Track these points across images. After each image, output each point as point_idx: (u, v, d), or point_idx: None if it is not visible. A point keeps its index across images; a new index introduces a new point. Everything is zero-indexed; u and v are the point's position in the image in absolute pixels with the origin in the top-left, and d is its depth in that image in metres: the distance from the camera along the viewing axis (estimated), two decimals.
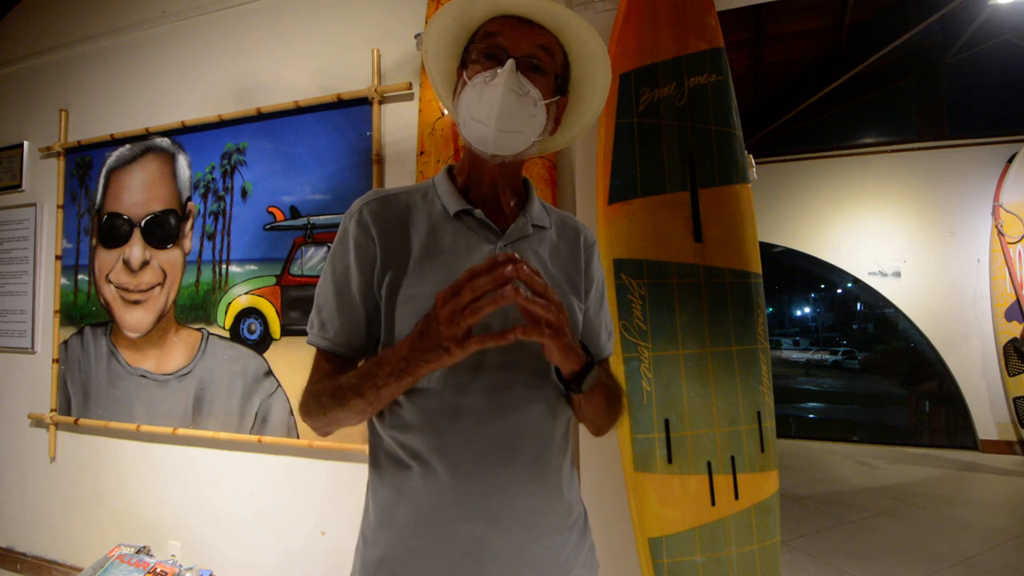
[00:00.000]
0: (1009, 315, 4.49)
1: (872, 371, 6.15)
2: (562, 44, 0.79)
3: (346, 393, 0.70)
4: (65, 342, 2.40)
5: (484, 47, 0.75)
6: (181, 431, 2.12)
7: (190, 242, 2.18)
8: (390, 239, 0.77)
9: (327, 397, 0.73)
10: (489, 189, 0.81)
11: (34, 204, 2.54)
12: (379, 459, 0.79)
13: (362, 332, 0.78)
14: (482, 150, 0.75)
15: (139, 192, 2.28)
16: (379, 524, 0.77)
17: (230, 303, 2.09)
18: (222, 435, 2.05)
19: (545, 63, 0.76)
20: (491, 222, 0.79)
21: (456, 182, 0.82)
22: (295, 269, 2.00)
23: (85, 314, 2.37)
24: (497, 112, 0.71)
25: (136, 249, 2.26)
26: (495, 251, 0.77)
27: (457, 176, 0.83)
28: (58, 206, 2.45)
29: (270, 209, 2.05)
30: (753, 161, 1.59)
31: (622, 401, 0.86)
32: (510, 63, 0.71)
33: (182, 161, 2.21)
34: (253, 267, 2.07)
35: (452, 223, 0.78)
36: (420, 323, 0.63)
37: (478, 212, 0.78)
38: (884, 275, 5.11)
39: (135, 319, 2.25)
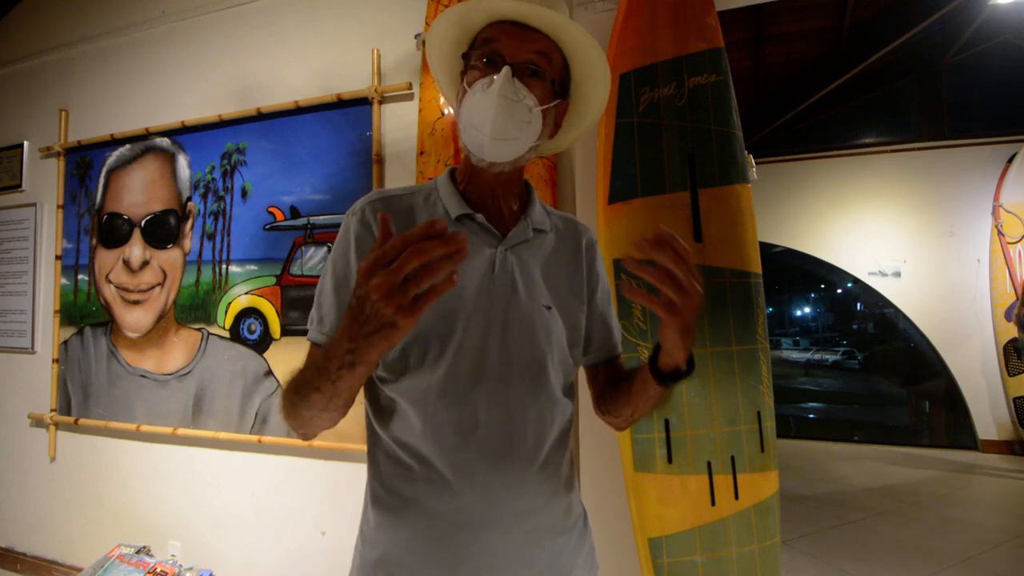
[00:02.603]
0: (1009, 315, 4.49)
1: (872, 371, 6.15)
2: (560, 47, 0.79)
3: (306, 388, 0.66)
4: (65, 342, 2.40)
5: (482, 53, 0.76)
6: (181, 431, 2.12)
7: (190, 242, 2.18)
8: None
9: (292, 392, 0.69)
10: (489, 194, 0.81)
11: (34, 204, 2.54)
12: (378, 459, 0.79)
13: None
14: (479, 157, 0.75)
15: (139, 192, 2.28)
16: (377, 524, 0.77)
17: (230, 303, 2.09)
18: (222, 435, 2.05)
19: (543, 68, 0.76)
20: (492, 226, 0.79)
21: (458, 185, 0.83)
22: (295, 269, 2.00)
23: (85, 314, 2.37)
24: (492, 120, 0.71)
25: (136, 249, 2.26)
26: (495, 255, 0.78)
27: (459, 179, 0.83)
28: (58, 206, 2.45)
29: (270, 209, 2.05)
30: (753, 161, 1.59)
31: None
32: (506, 70, 0.72)
33: (182, 161, 2.21)
34: (253, 267, 2.07)
35: (454, 226, 0.79)
36: (352, 306, 0.55)
37: (479, 216, 0.79)
38: (884, 275, 5.11)
39: (135, 319, 2.25)
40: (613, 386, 0.87)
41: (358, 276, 0.52)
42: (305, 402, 0.67)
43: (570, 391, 0.83)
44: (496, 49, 0.75)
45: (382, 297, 0.51)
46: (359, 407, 0.81)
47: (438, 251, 0.49)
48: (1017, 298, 4.42)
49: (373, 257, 0.51)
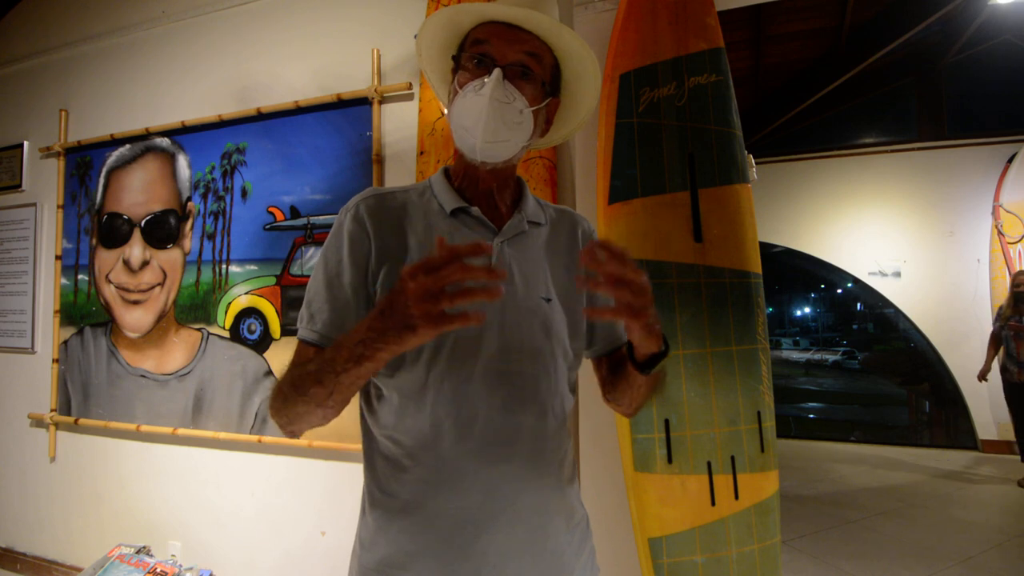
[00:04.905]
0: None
1: (872, 371, 6.16)
2: (550, 47, 0.79)
3: (306, 381, 0.67)
4: (65, 342, 2.40)
5: (472, 54, 0.76)
6: (181, 431, 2.11)
7: (190, 242, 2.18)
8: (386, 235, 0.77)
9: (288, 386, 0.70)
10: (484, 190, 0.82)
11: (34, 204, 2.54)
12: (375, 461, 0.79)
13: (352, 326, 0.77)
14: (472, 158, 0.76)
15: (139, 192, 2.28)
16: (376, 527, 0.77)
17: (230, 303, 2.09)
18: (222, 435, 2.05)
19: (533, 70, 0.76)
20: (487, 219, 0.79)
21: (452, 182, 0.83)
22: (295, 269, 2.00)
23: (85, 314, 2.37)
24: (483, 124, 0.72)
25: (136, 249, 2.26)
26: (492, 247, 0.77)
27: (453, 177, 0.84)
28: (58, 206, 2.45)
29: (270, 209, 2.05)
30: (753, 161, 1.59)
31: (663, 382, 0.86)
32: (496, 73, 0.72)
33: (182, 161, 2.21)
34: (253, 267, 2.07)
35: (449, 220, 0.79)
36: (382, 301, 0.59)
37: (474, 210, 0.79)
38: (884, 275, 5.11)
39: (135, 319, 2.25)
40: (615, 375, 0.87)
41: (401, 274, 0.56)
42: (302, 397, 0.68)
43: (572, 386, 0.83)
44: (486, 51, 0.75)
45: (416, 298, 0.54)
46: (357, 407, 0.81)
47: (480, 275, 0.54)
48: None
49: (421, 261, 0.55)
